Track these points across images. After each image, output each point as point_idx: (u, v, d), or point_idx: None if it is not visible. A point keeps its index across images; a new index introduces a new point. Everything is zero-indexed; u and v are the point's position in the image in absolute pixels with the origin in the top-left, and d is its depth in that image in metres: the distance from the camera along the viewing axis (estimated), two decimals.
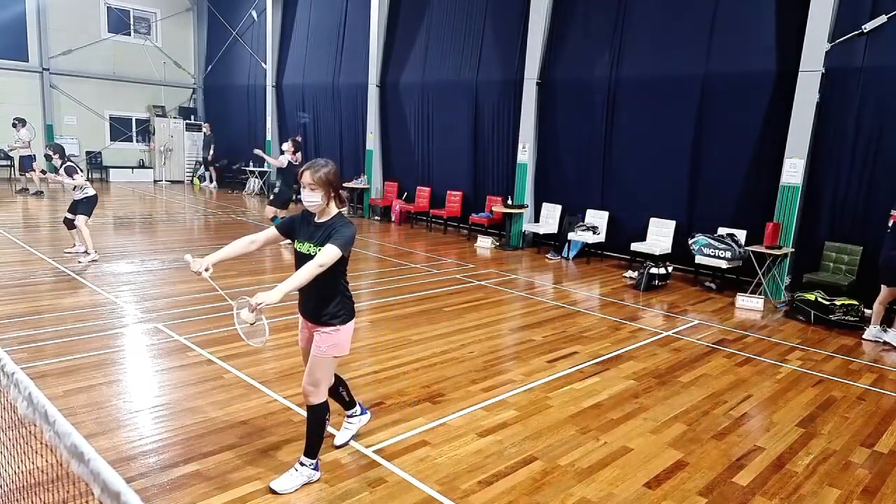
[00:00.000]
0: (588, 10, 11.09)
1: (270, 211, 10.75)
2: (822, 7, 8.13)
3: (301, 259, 3.31)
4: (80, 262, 8.67)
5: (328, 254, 3.16)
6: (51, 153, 8.88)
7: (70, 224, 8.96)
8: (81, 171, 8.86)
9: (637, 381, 5.37)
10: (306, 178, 3.27)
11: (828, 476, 3.91)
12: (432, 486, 3.54)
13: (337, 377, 3.78)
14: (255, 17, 19.26)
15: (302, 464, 3.49)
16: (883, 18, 7.87)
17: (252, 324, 3.04)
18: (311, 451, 3.50)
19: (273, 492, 3.39)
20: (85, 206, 8.79)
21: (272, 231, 3.49)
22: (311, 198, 3.28)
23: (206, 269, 3.26)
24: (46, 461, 2.44)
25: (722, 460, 4.04)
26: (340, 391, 3.87)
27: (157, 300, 7.10)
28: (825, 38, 8.17)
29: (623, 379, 5.39)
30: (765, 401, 5.09)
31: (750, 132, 9.21)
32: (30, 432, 2.51)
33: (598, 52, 10.93)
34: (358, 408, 4.02)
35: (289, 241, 3.51)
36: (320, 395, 3.44)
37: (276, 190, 11.05)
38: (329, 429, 4.13)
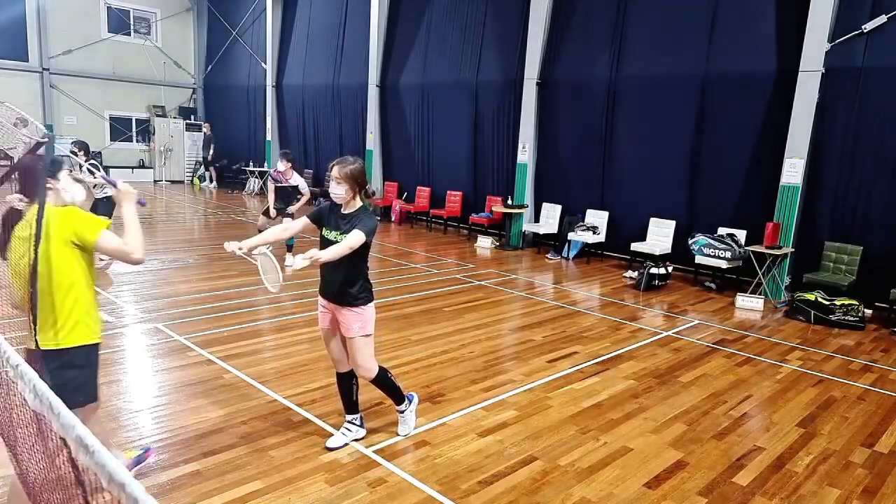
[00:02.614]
0: (588, 10, 11.09)
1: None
2: (822, 7, 8.13)
3: (327, 245, 3.62)
4: (101, 259, 8.69)
5: (355, 237, 3.49)
6: (76, 150, 8.87)
7: None
8: (101, 170, 8.86)
9: (637, 381, 5.37)
10: (335, 172, 3.59)
11: (828, 476, 3.91)
12: (432, 486, 3.54)
13: (354, 375, 3.96)
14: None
15: (401, 411, 4.09)
16: (883, 18, 7.87)
17: (300, 269, 3.33)
18: (398, 398, 4.06)
19: (401, 435, 4.06)
20: (105, 206, 8.73)
21: (304, 220, 3.77)
22: (337, 190, 3.61)
23: (240, 248, 3.51)
24: (50, 461, 2.44)
25: (722, 460, 4.04)
26: (353, 385, 3.99)
27: (157, 300, 7.10)
28: (825, 38, 8.17)
29: (623, 379, 5.39)
30: (765, 401, 5.09)
31: (750, 132, 9.21)
32: (29, 432, 2.51)
33: (598, 52, 10.93)
34: (358, 418, 4.07)
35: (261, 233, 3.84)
36: (374, 369, 3.85)
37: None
38: (328, 428, 4.14)
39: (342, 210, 3.69)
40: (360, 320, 3.72)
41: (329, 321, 3.82)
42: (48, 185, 2.70)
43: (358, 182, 3.63)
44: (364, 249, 3.60)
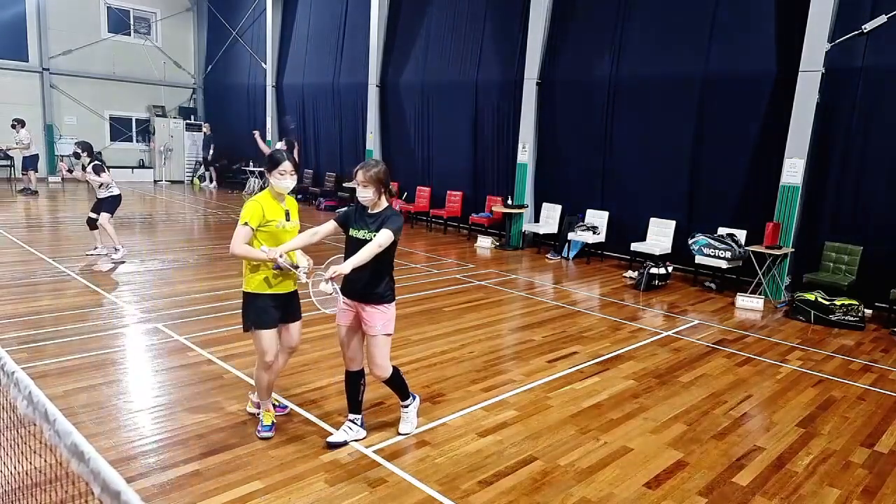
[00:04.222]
0: (588, 10, 11.09)
1: None
2: (822, 7, 8.13)
3: (355, 244, 3.71)
4: (112, 259, 8.86)
5: (385, 236, 3.62)
6: (79, 151, 9.22)
7: (93, 224, 9.11)
8: (107, 169, 9.13)
9: (637, 381, 5.37)
10: (360, 177, 3.71)
11: (828, 476, 3.91)
12: (432, 486, 3.54)
13: (363, 374, 4.01)
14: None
15: (405, 406, 4.15)
16: (883, 18, 7.87)
17: (331, 293, 3.53)
18: (404, 395, 4.14)
19: (402, 434, 4.09)
20: (109, 204, 9.02)
21: (331, 224, 3.85)
22: (365, 193, 3.72)
23: (280, 256, 3.66)
24: (45, 461, 2.44)
25: (722, 460, 4.04)
26: (361, 385, 4.02)
27: (157, 300, 7.10)
28: (825, 38, 8.17)
29: (623, 379, 5.39)
30: (765, 401, 5.09)
31: (750, 132, 9.21)
32: (29, 432, 2.51)
33: (598, 52, 10.93)
34: (360, 418, 4.08)
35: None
36: (388, 369, 3.93)
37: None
38: (328, 428, 4.14)
39: (369, 210, 3.78)
40: (384, 319, 3.80)
41: (350, 319, 3.85)
42: (267, 175, 3.86)
43: (383, 183, 3.74)
44: (392, 248, 3.71)
